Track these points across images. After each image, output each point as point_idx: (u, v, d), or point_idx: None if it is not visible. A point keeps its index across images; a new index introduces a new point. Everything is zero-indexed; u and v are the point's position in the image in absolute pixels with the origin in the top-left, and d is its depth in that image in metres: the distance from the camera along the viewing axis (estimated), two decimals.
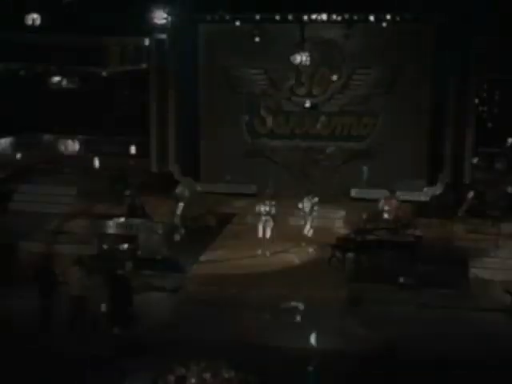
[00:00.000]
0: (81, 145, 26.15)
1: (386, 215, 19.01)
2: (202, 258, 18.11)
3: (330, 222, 20.14)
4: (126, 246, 17.32)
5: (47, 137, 26.59)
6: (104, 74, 23.16)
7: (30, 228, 19.28)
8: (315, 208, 19.07)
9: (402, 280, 16.02)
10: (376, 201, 19.55)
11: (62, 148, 24.53)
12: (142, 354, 12.69)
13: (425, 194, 21.55)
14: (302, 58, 20.52)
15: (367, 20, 20.99)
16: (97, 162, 24.58)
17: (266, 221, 18.26)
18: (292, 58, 20.70)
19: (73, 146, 24.43)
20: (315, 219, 19.18)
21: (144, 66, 23.01)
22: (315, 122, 22.30)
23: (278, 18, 21.25)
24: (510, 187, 20.34)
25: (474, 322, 14.72)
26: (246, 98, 22.68)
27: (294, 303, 15.49)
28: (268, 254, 18.10)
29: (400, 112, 21.86)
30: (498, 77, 21.29)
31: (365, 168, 22.35)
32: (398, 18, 20.89)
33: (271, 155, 22.86)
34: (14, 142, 26.26)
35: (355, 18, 20.99)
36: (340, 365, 12.40)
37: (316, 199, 19.07)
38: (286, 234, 18.87)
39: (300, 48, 20.70)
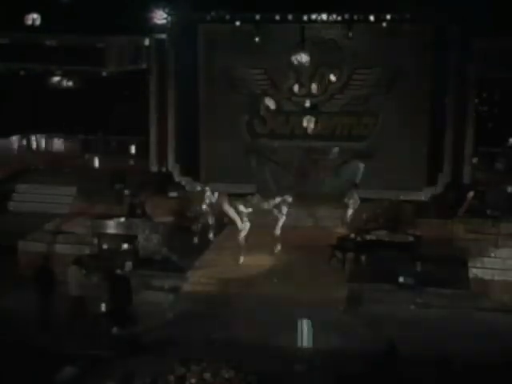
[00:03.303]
0: (81, 144, 26.22)
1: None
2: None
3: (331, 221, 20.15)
4: (125, 246, 17.32)
5: (47, 137, 26.65)
6: (104, 73, 23.11)
7: (29, 228, 19.27)
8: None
9: (401, 280, 16.02)
10: (376, 200, 19.60)
11: None
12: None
13: (424, 194, 21.55)
14: (301, 57, 20.50)
15: (367, 20, 20.99)
16: (96, 162, 24.62)
17: None
18: (292, 58, 20.68)
19: None
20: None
21: (144, 65, 23.01)
22: (315, 122, 22.24)
23: (277, 18, 21.25)
24: (510, 187, 20.34)
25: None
26: (246, 98, 22.68)
27: None
28: None
29: (400, 112, 21.82)
30: (497, 76, 21.24)
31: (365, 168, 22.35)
32: (397, 18, 20.91)
33: (271, 155, 22.84)
34: (14, 141, 26.29)
35: (355, 17, 21.00)
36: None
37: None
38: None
39: (300, 48, 20.68)
